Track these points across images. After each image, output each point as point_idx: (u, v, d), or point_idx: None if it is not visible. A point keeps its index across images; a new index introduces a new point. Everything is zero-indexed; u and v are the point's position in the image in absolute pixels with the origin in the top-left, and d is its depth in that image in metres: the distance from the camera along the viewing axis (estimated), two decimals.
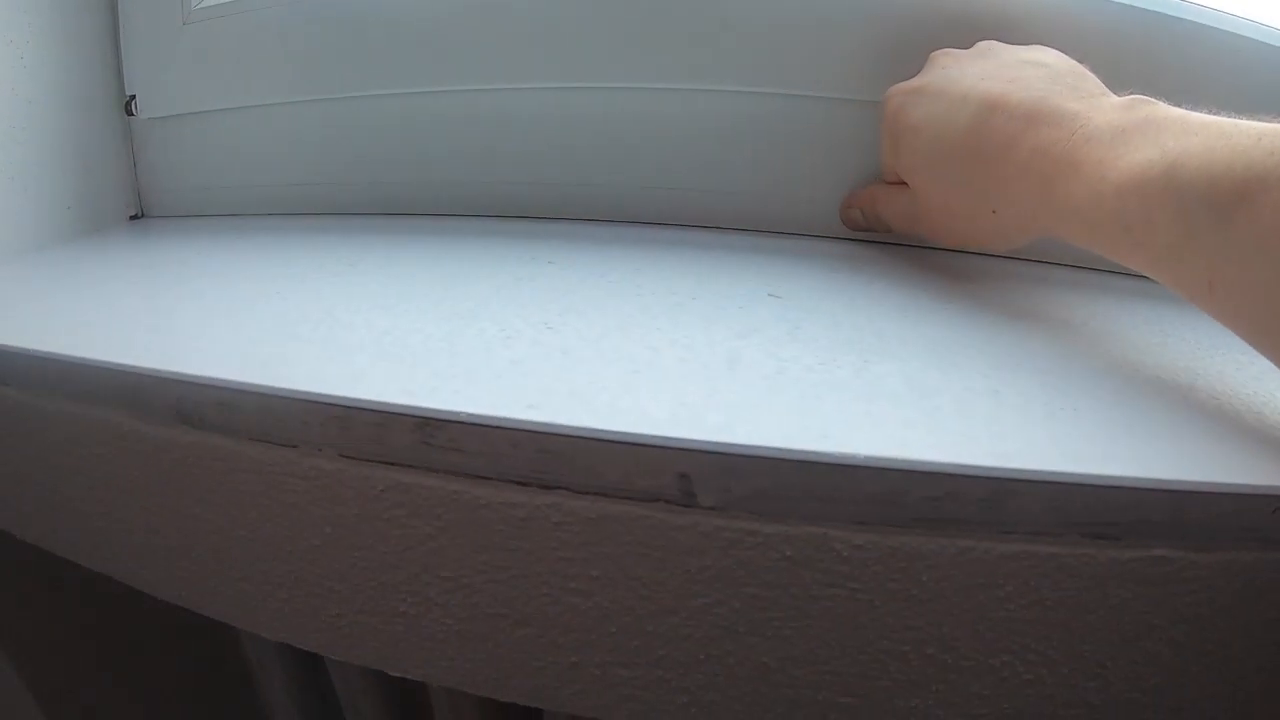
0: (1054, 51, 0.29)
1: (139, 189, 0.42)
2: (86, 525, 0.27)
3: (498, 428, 0.20)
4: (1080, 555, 0.21)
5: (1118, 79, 0.27)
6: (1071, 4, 0.32)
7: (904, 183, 0.31)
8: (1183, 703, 0.24)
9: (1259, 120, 0.20)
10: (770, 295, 0.28)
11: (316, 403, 0.22)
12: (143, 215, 0.42)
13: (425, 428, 0.20)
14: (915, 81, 0.30)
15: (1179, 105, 0.23)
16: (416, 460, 0.21)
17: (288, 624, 0.26)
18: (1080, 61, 0.28)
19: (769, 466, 0.19)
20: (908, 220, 0.32)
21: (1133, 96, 0.24)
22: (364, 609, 0.25)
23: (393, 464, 0.21)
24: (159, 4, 0.38)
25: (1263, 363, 0.27)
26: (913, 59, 0.32)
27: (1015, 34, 0.31)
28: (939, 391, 0.23)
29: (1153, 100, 0.24)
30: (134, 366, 0.24)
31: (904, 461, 0.20)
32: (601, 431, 0.19)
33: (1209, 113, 0.22)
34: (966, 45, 0.31)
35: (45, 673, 0.36)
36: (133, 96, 0.39)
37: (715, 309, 0.27)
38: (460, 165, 0.37)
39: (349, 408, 0.21)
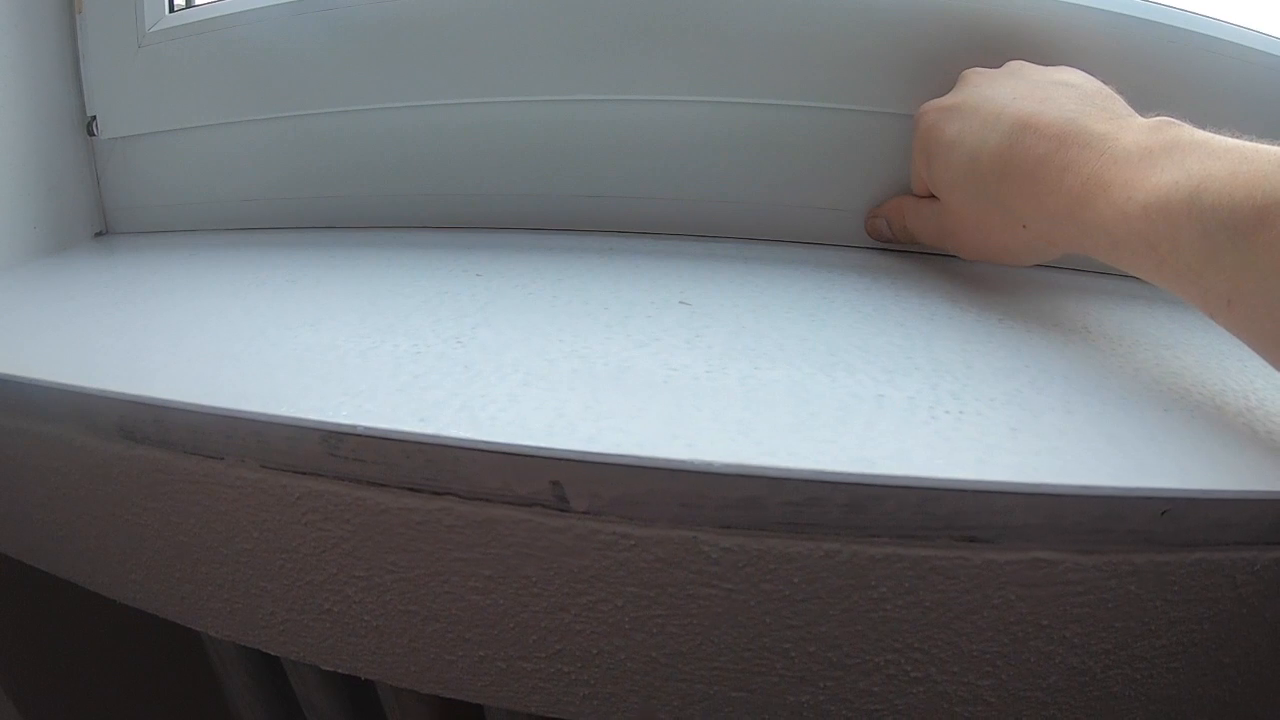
0: (1081, 73, 0.30)
1: (103, 207, 0.44)
2: (47, 533, 0.30)
3: (391, 440, 0.22)
4: (954, 558, 0.22)
5: (1138, 95, 0.28)
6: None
7: (933, 196, 0.32)
8: (1089, 700, 0.25)
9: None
10: (681, 303, 0.30)
11: (238, 418, 0.24)
12: (107, 232, 0.45)
13: (330, 440, 0.23)
14: (949, 99, 0.31)
15: (1195, 119, 0.25)
16: (325, 469, 0.23)
17: (231, 623, 0.29)
18: (1105, 81, 0.29)
19: (633, 474, 0.21)
20: (936, 233, 0.33)
21: (1159, 119, 0.25)
22: (295, 607, 0.27)
23: (305, 473, 0.24)
24: (115, 28, 0.40)
25: (1166, 365, 0.28)
26: (939, 74, 0.33)
27: (1042, 52, 0.32)
28: (823, 397, 0.25)
29: (1178, 122, 0.25)
30: (82, 387, 0.27)
31: (764, 469, 0.21)
32: (481, 442, 0.21)
33: (1231, 135, 0.23)
34: (995, 64, 0.32)
35: (22, 672, 0.39)
36: (94, 117, 0.41)
37: (623, 318, 0.29)
38: (407, 178, 0.40)
39: (266, 422, 0.24)
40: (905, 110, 0.34)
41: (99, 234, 0.44)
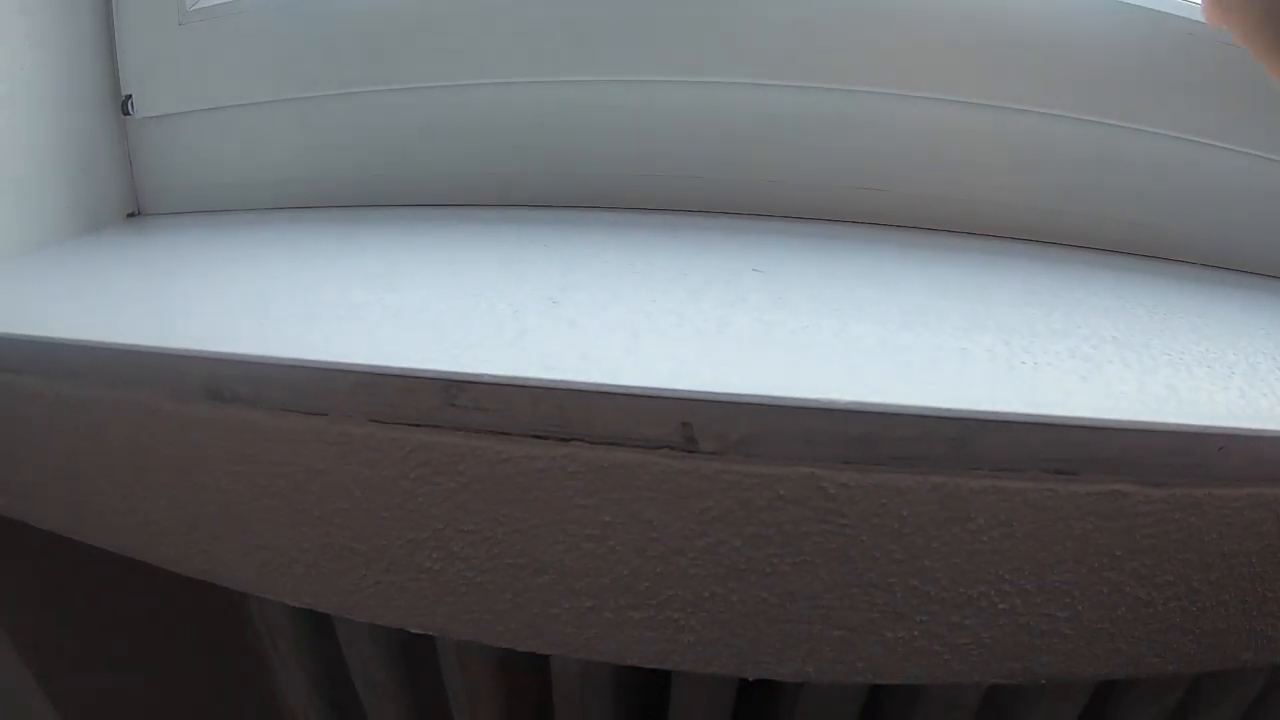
0: None
1: (135, 188, 0.44)
2: (106, 508, 0.29)
3: (518, 386, 0.23)
4: (1044, 490, 0.24)
5: None
6: None
7: None
8: (1150, 634, 0.27)
9: None
10: (754, 270, 0.31)
11: (345, 371, 0.24)
12: (140, 213, 0.44)
13: (450, 390, 0.23)
14: None
15: None
16: (442, 420, 0.24)
17: (311, 589, 0.28)
18: None
19: (759, 413, 0.22)
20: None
21: None
22: (390, 568, 0.27)
23: (419, 425, 0.24)
24: (154, 5, 0.40)
25: (1201, 331, 0.31)
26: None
27: None
28: (912, 348, 0.26)
29: None
30: (165, 348, 0.26)
31: (880, 405, 0.23)
32: (611, 386, 0.22)
33: None
34: None
35: (47, 657, 0.38)
36: (129, 96, 0.41)
37: (704, 283, 0.30)
38: (455, 157, 0.40)
39: (377, 374, 0.24)
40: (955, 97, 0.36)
41: (131, 215, 0.43)
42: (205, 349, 0.26)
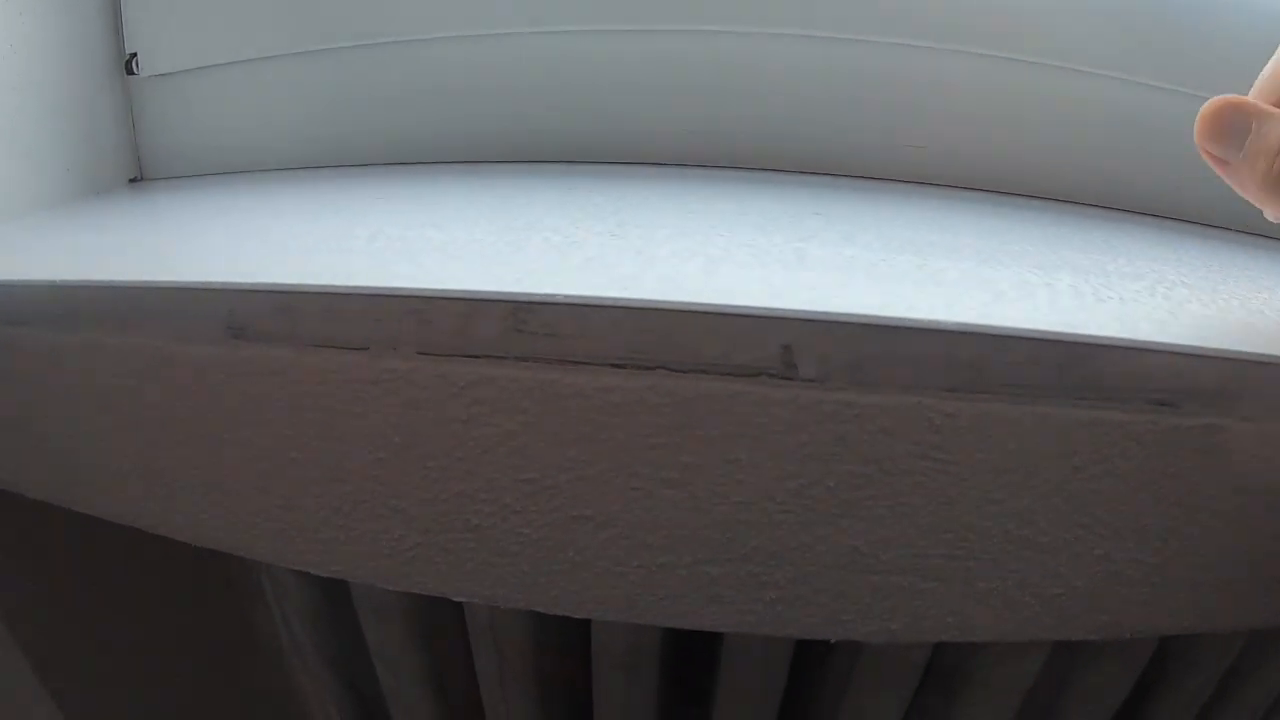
0: None
1: (138, 151, 0.40)
2: (108, 473, 0.25)
3: (597, 306, 0.20)
4: (1145, 422, 0.23)
5: None
6: None
7: None
8: (1233, 580, 0.26)
9: None
10: (815, 214, 0.29)
11: (393, 297, 0.21)
12: (142, 178, 0.40)
13: (518, 313, 0.20)
14: None
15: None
16: (505, 350, 0.21)
17: (341, 555, 0.25)
18: None
19: (867, 334, 0.20)
20: None
21: None
22: (431, 527, 0.24)
23: (478, 356, 0.21)
24: None
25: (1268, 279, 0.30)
26: None
27: None
28: (998, 281, 0.25)
29: None
30: (177, 281, 0.23)
31: (990, 327, 0.21)
32: (704, 305, 0.20)
33: None
34: None
35: (40, 638, 0.33)
36: (134, 54, 0.38)
37: (769, 222, 0.28)
38: (489, 111, 0.37)
39: (431, 299, 0.21)
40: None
41: (133, 180, 0.39)
42: (224, 280, 0.22)
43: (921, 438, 0.21)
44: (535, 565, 0.23)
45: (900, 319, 0.20)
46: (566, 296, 0.20)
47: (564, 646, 0.31)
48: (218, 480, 0.25)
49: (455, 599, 0.25)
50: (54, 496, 0.27)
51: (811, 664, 0.33)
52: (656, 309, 0.20)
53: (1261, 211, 0.24)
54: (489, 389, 0.21)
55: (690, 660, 0.32)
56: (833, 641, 0.24)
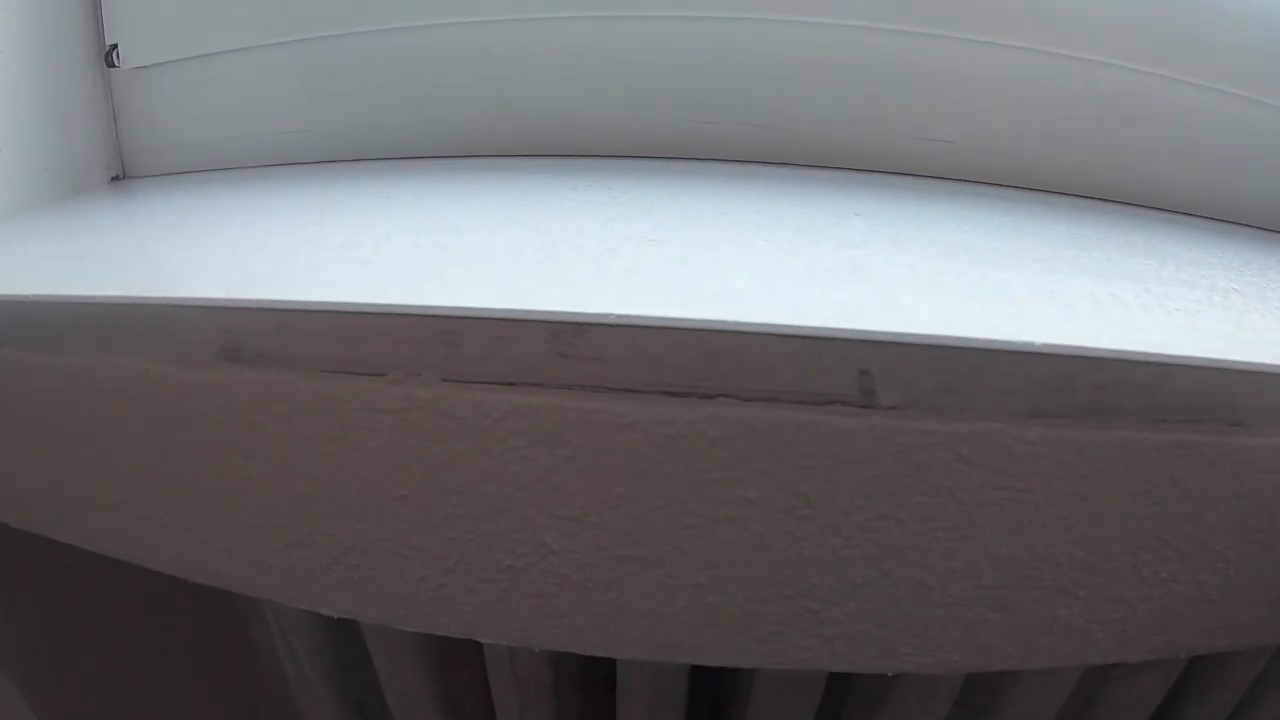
0: None
1: (120, 148, 0.36)
2: (95, 506, 0.22)
3: (654, 328, 0.17)
4: (1219, 444, 0.21)
5: None
6: None
7: None
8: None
9: None
10: (855, 215, 0.27)
11: (416, 317, 0.18)
12: (125, 176, 0.36)
13: (563, 335, 0.18)
14: None
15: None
16: (547, 377, 0.18)
17: (354, 597, 0.22)
18: None
19: (951, 357, 0.18)
20: None
21: None
22: (457, 567, 0.21)
23: (514, 384, 0.18)
24: None
25: None
26: None
27: None
28: (1065, 292, 0.23)
29: None
30: (165, 297, 0.20)
31: (1077, 348, 0.19)
32: (774, 326, 0.17)
33: None
34: None
35: (30, 669, 0.30)
36: (114, 46, 0.34)
37: (810, 226, 0.25)
38: (483, 102, 0.34)
39: (460, 318, 0.18)
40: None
41: (116, 178, 0.35)
42: (219, 296, 0.19)
43: (1000, 466, 0.19)
44: (573, 607, 0.21)
45: (987, 341, 0.18)
46: (619, 317, 0.17)
47: (586, 675, 0.28)
48: (214, 515, 0.21)
49: (484, 641, 0.22)
50: (36, 526, 0.23)
51: (841, 679, 0.31)
52: (720, 330, 0.17)
53: None
54: (526, 420, 0.18)
55: (719, 683, 0.30)
56: (890, 675, 0.22)
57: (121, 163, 0.35)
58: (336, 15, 0.33)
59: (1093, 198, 0.36)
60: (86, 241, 0.25)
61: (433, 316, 0.18)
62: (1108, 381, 0.19)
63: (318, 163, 0.34)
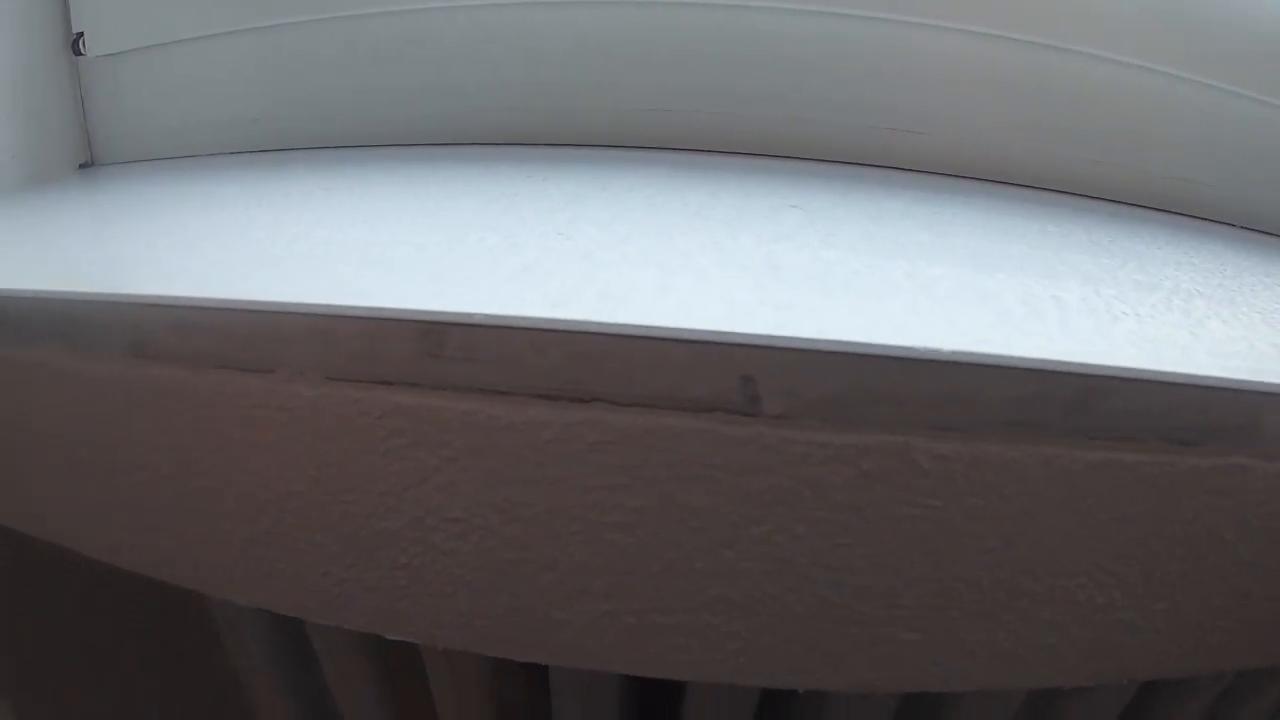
0: None
1: (89, 135, 0.35)
2: (33, 490, 0.21)
3: (520, 329, 0.15)
4: (1162, 463, 0.18)
5: None
6: None
7: None
8: (1244, 623, 0.21)
9: None
10: (792, 206, 0.24)
11: (294, 314, 0.17)
12: (93, 163, 0.36)
13: (430, 335, 0.16)
14: None
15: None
16: (420, 377, 0.16)
17: (264, 588, 0.21)
18: None
19: (842, 365, 0.15)
20: None
21: None
22: (356, 563, 0.20)
23: (389, 383, 0.17)
24: None
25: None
26: None
27: None
28: (1000, 294, 0.20)
29: None
30: (76, 293, 0.19)
31: (991, 357, 0.16)
32: (648, 329, 0.15)
33: None
34: None
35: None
36: (80, 34, 0.33)
37: (738, 218, 0.23)
38: (443, 89, 0.32)
39: (334, 317, 0.16)
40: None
41: (84, 165, 0.34)
42: (126, 293, 0.18)
43: (907, 481, 0.16)
44: (471, 607, 0.19)
45: (883, 347, 0.15)
46: (485, 316, 0.15)
47: (524, 673, 0.27)
48: (128, 506, 0.20)
49: (387, 636, 0.20)
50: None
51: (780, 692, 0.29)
52: (592, 332, 0.15)
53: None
54: (405, 420, 0.17)
55: (655, 686, 0.28)
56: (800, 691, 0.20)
57: (90, 150, 0.35)
58: (301, 2, 0.31)
59: (1076, 194, 0.32)
60: (35, 234, 0.25)
61: (312, 315, 0.16)
62: (1029, 395, 0.16)
63: (285, 149, 0.33)
